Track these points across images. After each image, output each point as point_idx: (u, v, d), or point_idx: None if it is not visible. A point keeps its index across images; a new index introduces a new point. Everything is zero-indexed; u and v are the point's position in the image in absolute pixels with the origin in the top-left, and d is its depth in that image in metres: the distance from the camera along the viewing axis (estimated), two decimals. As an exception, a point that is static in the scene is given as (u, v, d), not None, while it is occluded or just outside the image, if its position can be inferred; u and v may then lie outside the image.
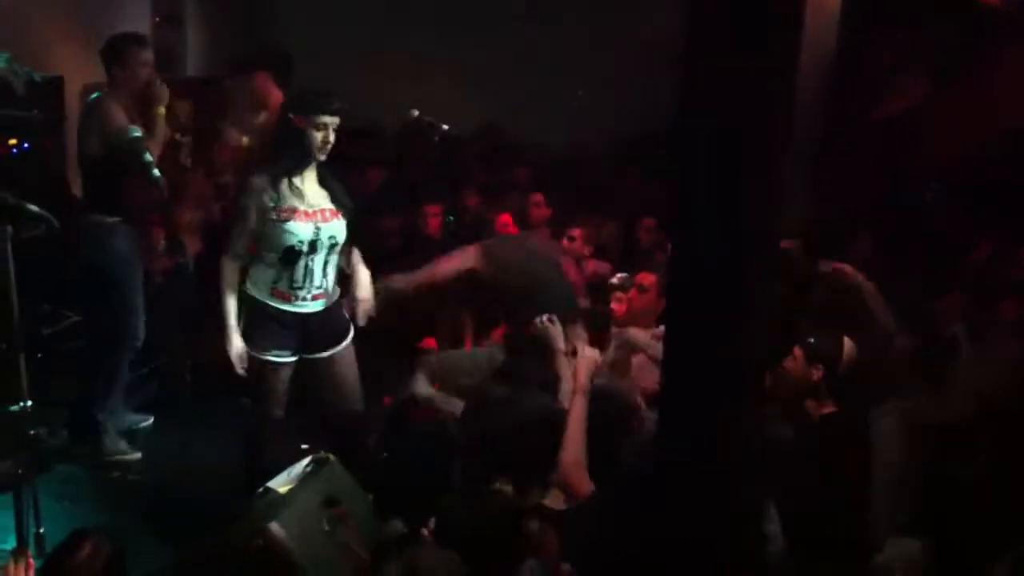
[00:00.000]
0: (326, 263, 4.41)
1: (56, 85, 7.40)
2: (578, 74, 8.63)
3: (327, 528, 3.80)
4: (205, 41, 9.13)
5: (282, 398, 4.48)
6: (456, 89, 8.17)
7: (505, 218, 6.83)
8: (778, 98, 2.74)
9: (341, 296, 4.58)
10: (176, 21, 8.88)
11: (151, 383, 5.96)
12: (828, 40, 7.78)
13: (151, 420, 5.67)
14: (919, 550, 3.14)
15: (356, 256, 4.63)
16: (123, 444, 5.32)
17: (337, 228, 4.40)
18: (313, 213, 4.33)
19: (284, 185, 4.29)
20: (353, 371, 4.60)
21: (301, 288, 4.37)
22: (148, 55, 5.21)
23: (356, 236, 4.57)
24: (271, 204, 4.25)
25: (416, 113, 6.61)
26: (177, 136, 7.20)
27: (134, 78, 5.10)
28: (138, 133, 4.94)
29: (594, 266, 6.40)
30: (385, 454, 4.40)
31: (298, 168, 4.31)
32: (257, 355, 4.37)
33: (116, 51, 5.14)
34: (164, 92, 5.14)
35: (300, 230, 4.28)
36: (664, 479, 2.96)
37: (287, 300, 4.38)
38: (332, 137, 4.29)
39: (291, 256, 4.30)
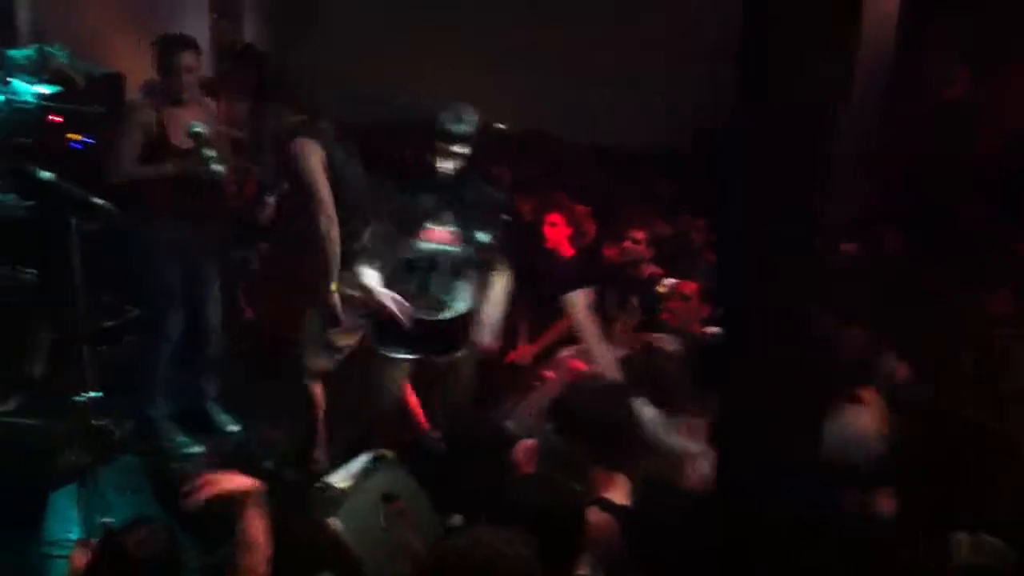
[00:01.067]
0: (451, 279, 4.70)
1: (116, 80, 7.50)
2: (626, 75, 8.58)
3: (385, 524, 3.82)
4: (262, 37, 9.20)
5: (395, 393, 4.80)
6: (501, 86, 8.18)
7: (554, 217, 6.81)
8: (837, 92, 2.73)
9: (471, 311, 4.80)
10: (234, 17, 8.97)
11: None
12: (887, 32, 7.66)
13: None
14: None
15: (496, 279, 4.84)
16: (181, 437, 5.35)
17: (458, 249, 4.70)
18: (440, 233, 4.65)
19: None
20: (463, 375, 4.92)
21: (425, 299, 4.70)
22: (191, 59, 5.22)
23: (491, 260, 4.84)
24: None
25: (502, 127, 6.65)
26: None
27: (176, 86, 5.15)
28: (199, 129, 4.95)
29: (652, 270, 6.34)
30: (446, 449, 4.46)
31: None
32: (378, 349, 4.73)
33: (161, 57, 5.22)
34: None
35: (429, 248, 4.66)
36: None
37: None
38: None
39: (415, 269, 4.65)
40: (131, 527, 3.30)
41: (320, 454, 4.92)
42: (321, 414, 4.95)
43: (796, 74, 2.67)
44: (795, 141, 2.72)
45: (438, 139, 4.61)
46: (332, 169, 4.63)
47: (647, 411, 3.98)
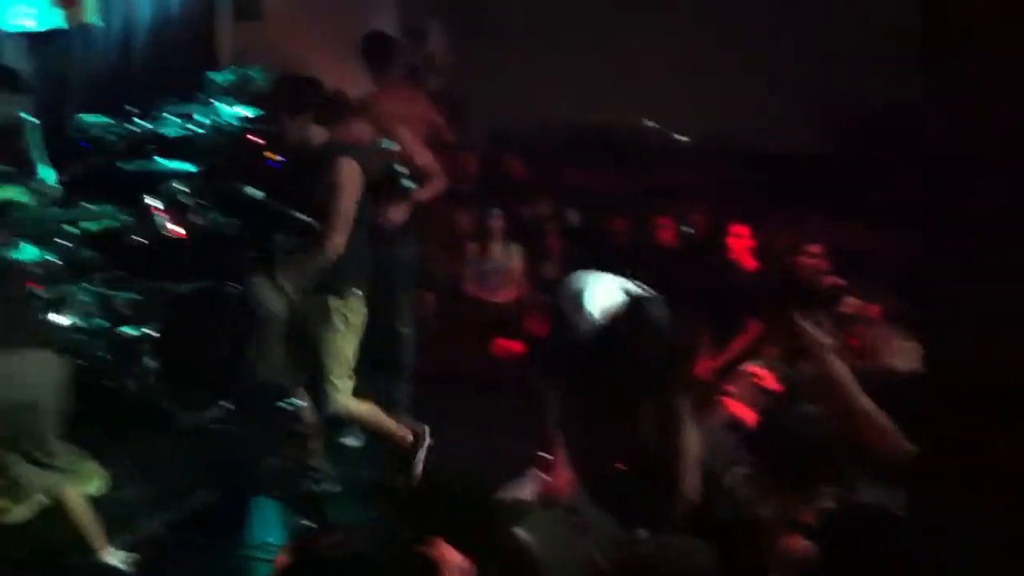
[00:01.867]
0: None
1: (311, 101, 7.84)
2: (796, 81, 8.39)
3: (568, 536, 3.85)
4: (450, 57, 9.43)
5: None
6: (674, 93, 8.13)
7: (739, 229, 6.73)
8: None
9: None
10: (420, 38, 9.22)
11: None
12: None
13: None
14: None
15: None
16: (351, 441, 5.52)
17: None
18: None
19: None
20: None
21: None
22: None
23: None
24: None
25: (650, 123, 6.62)
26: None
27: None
28: (389, 145, 5.10)
29: (831, 282, 6.11)
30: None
31: None
32: None
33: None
34: None
35: None
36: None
37: None
38: None
39: None
40: (328, 530, 3.45)
41: None
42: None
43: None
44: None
45: None
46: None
47: None
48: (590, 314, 4.68)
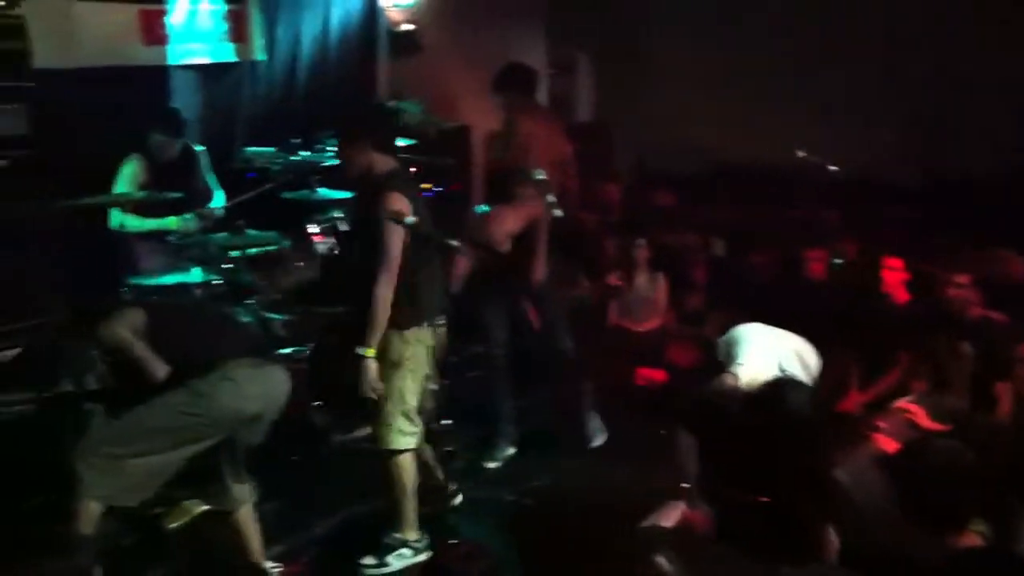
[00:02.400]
0: None
1: (463, 134, 8.07)
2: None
3: (710, 567, 3.84)
4: (595, 89, 9.55)
5: None
6: (826, 125, 8.02)
7: (894, 262, 6.59)
8: None
9: None
10: (569, 71, 9.37)
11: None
12: None
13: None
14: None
15: None
16: (503, 452, 5.60)
17: None
18: None
19: None
20: None
21: None
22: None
23: None
24: None
25: (802, 153, 6.56)
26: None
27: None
28: (542, 176, 5.21)
29: (983, 313, 5.85)
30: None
31: None
32: None
33: None
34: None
35: None
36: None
37: None
38: None
39: None
40: (457, 545, 3.58)
41: None
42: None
43: None
44: None
45: None
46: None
47: None
48: (740, 375, 4.72)
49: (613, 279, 7.35)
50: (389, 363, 4.37)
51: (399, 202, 4.23)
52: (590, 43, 9.63)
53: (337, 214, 5.99)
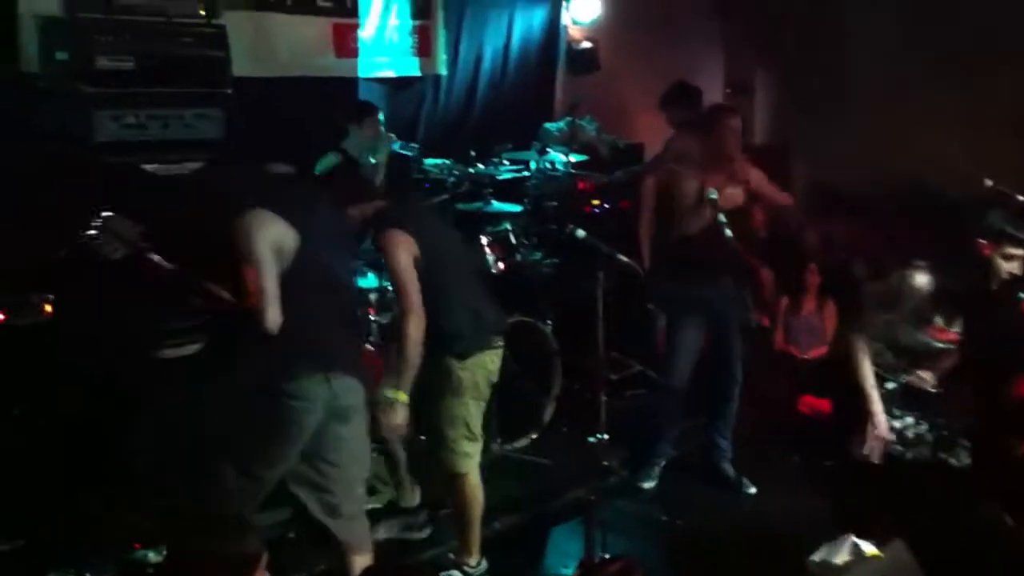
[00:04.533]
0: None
1: (636, 151, 8.11)
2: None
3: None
4: (772, 109, 9.42)
5: None
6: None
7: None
8: None
9: None
10: (746, 91, 9.28)
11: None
12: None
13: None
14: None
15: None
16: (651, 476, 5.61)
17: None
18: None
19: None
20: None
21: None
22: (736, 123, 5.43)
23: None
24: None
25: (990, 183, 6.32)
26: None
27: (722, 145, 5.31)
28: (714, 196, 5.14)
29: None
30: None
31: None
32: None
33: (708, 121, 5.48)
34: (741, 171, 5.33)
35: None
36: None
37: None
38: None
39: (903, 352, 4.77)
40: (609, 561, 3.62)
41: None
42: None
43: None
44: None
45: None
46: (426, 256, 4.18)
47: None
48: None
49: (782, 303, 7.25)
50: (450, 391, 4.37)
51: (397, 239, 4.16)
52: (769, 64, 9.50)
53: (508, 226, 6.12)
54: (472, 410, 4.43)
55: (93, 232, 3.52)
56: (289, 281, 3.59)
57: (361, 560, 3.89)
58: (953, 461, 4.87)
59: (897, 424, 4.89)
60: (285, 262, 3.60)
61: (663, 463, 5.69)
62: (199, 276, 3.68)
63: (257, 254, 3.53)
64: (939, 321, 4.68)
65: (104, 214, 3.54)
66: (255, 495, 3.77)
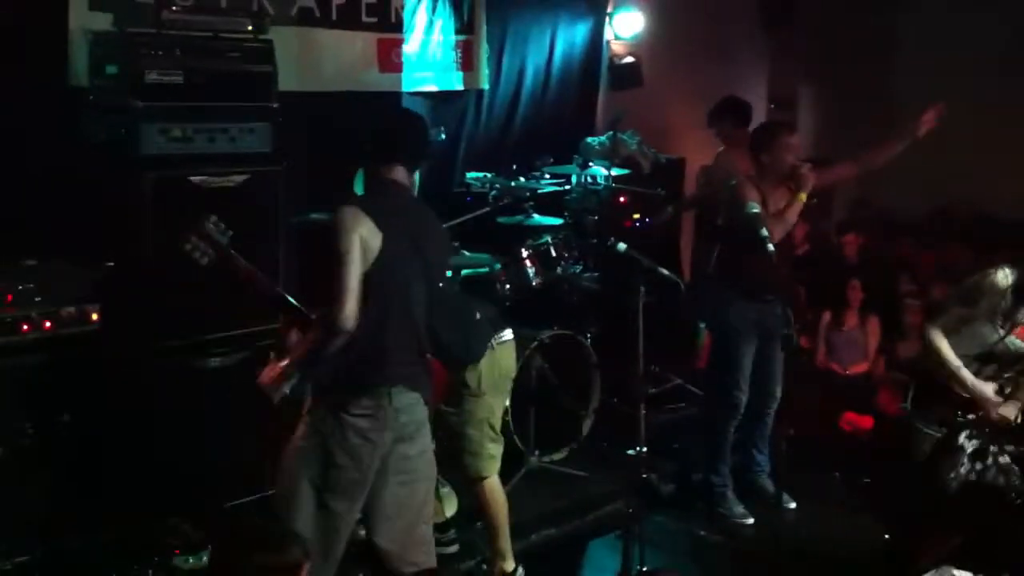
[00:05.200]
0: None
1: (679, 166, 8.11)
2: None
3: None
4: (816, 124, 9.38)
5: None
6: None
7: None
8: None
9: None
10: (790, 106, 9.24)
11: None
12: None
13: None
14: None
15: None
16: (740, 508, 5.52)
17: None
18: None
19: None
20: None
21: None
22: (795, 140, 5.45)
23: None
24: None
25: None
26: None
27: (778, 162, 5.31)
28: (756, 209, 5.11)
29: None
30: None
31: None
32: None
33: (764, 138, 5.46)
34: (807, 179, 5.26)
35: (1015, 346, 4.49)
36: None
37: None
38: None
39: (988, 359, 4.56)
40: (651, 573, 3.62)
41: None
42: None
43: None
44: None
45: None
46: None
47: None
48: None
49: (824, 319, 7.21)
50: (468, 393, 4.41)
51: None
52: (814, 82, 9.47)
53: (548, 239, 6.14)
54: (493, 409, 4.47)
55: (185, 238, 3.51)
56: (370, 287, 3.51)
57: None
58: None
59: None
60: (367, 263, 3.51)
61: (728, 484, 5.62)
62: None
63: (344, 246, 3.47)
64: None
65: (199, 219, 3.54)
66: (333, 529, 3.64)
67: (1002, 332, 4.42)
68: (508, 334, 4.57)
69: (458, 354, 4.37)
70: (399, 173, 3.74)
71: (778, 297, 5.20)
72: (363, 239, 3.49)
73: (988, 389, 4.61)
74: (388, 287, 3.57)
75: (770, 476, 5.71)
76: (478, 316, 4.49)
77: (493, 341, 4.48)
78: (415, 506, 3.78)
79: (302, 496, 3.60)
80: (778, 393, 5.57)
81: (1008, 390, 4.68)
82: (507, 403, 4.61)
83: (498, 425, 4.52)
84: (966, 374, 4.57)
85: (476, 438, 4.43)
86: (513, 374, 4.61)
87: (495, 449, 4.49)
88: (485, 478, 4.47)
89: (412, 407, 3.67)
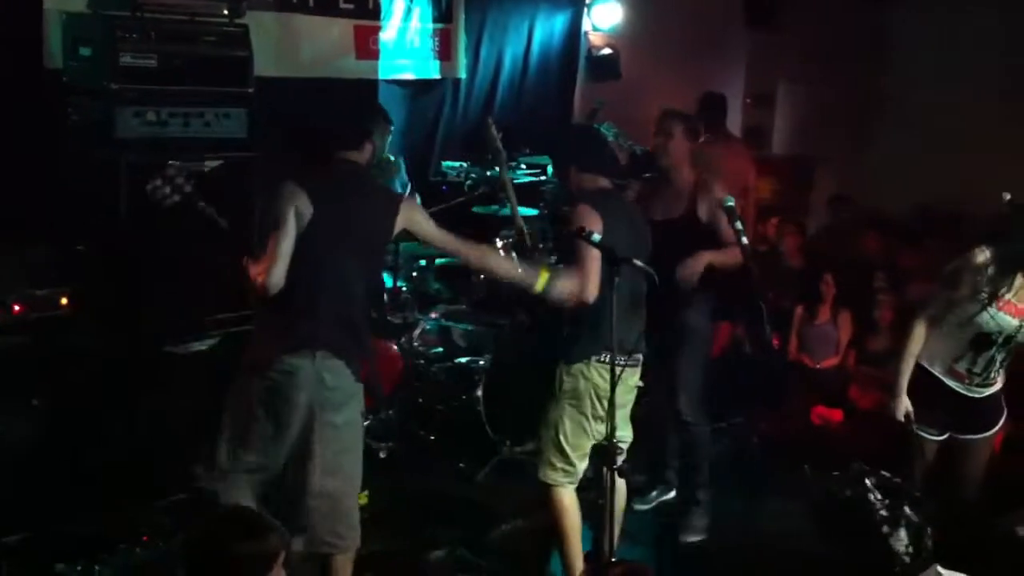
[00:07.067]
0: (1005, 356, 4.41)
1: (655, 158, 8.08)
2: None
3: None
4: (791, 121, 9.42)
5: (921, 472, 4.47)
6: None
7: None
8: None
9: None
10: (767, 102, 9.28)
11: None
12: None
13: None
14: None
15: None
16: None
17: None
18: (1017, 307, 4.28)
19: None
20: (985, 456, 4.54)
21: (979, 375, 4.41)
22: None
23: None
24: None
25: (1008, 196, 6.28)
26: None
27: None
28: (731, 203, 5.02)
29: None
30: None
31: None
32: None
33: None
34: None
35: (1005, 322, 4.29)
36: None
37: (961, 381, 4.44)
38: None
39: (983, 343, 4.35)
40: (617, 564, 3.65)
41: None
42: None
43: None
44: None
45: None
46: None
47: None
48: None
49: (797, 313, 7.25)
50: (552, 394, 4.35)
51: (584, 217, 4.15)
52: (792, 78, 9.50)
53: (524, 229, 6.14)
54: (567, 421, 4.33)
55: (153, 179, 3.67)
56: (299, 254, 3.73)
57: (344, 560, 3.94)
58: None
59: None
60: (300, 231, 3.74)
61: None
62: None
63: (276, 215, 3.73)
64: (1007, 294, 4.46)
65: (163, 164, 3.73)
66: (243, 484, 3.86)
67: (991, 310, 4.38)
68: (622, 359, 4.12)
69: (585, 350, 4.26)
70: (350, 154, 4.03)
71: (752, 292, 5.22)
72: (297, 210, 3.72)
73: (904, 389, 4.49)
74: (317, 256, 3.75)
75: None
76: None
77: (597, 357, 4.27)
78: (341, 475, 3.88)
79: (222, 443, 3.87)
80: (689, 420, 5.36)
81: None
82: (590, 427, 4.35)
83: (569, 439, 4.34)
84: (905, 367, 4.54)
85: (545, 439, 4.39)
86: (606, 396, 4.06)
87: (560, 463, 4.35)
88: (548, 485, 4.38)
89: (337, 374, 3.80)
